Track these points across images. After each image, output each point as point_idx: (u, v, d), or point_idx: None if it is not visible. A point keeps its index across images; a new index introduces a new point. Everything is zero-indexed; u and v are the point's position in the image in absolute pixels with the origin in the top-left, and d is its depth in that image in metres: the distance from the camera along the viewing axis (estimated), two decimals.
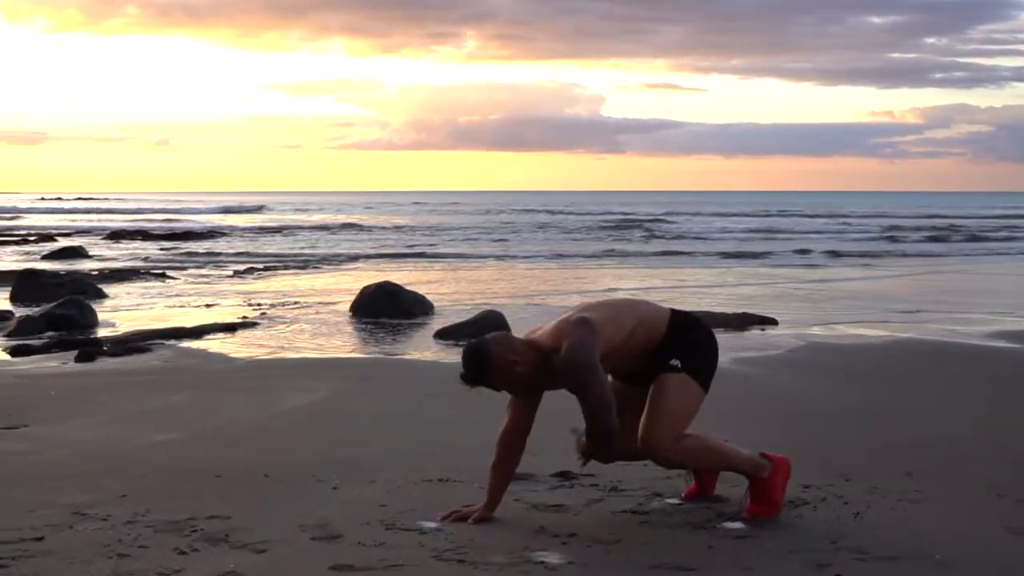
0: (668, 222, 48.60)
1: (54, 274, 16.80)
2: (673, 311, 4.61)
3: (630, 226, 44.19)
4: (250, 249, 30.03)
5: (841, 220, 52.63)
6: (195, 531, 4.31)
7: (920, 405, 7.25)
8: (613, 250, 29.90)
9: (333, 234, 38.93)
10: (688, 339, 4.49)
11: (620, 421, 4.50)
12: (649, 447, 4.39)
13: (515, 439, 4.51)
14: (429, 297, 14.22)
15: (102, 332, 11.63)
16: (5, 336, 11.15)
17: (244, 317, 12.89)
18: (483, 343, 4.36)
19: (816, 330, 11.74)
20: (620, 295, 16.37)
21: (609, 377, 4.65)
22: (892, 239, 36.95)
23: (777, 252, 28.83)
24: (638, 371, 4.52)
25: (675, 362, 4.42)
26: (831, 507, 4.61)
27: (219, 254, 27.40)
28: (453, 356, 9.30)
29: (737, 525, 4.37)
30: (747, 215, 59.02)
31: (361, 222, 48.25)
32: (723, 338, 10.73)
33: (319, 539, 4.22)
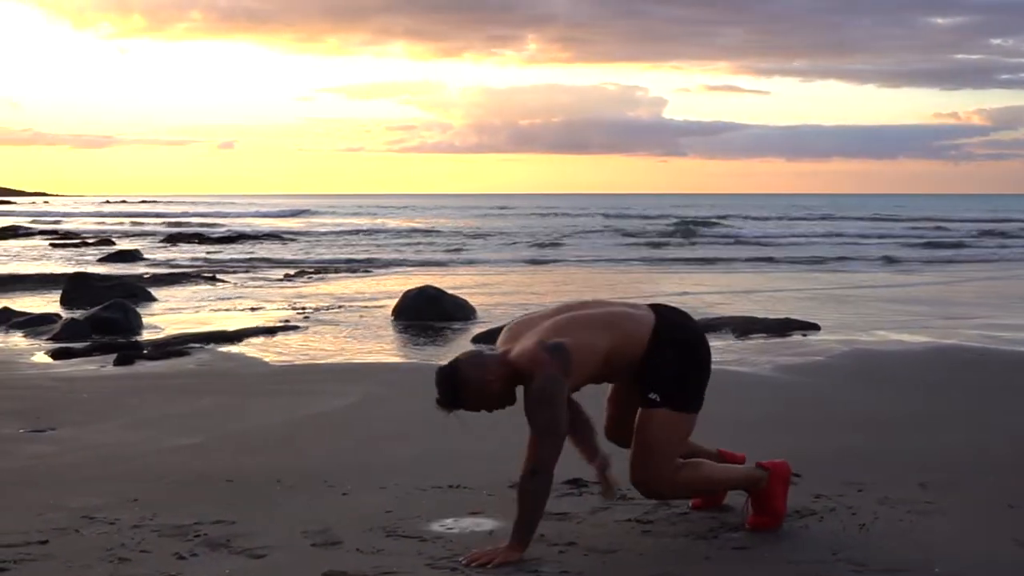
0: (726, 225, 48.10)
1: (104, 277, 17.03)
2: (657, 320, 4.27)
3: (686, 229, 43.82)
4: (304, 252, 30.27)
5: (904, 224, 51.80)
6: (198, 536, 4.35)
7: (951, 413, 7.11)
8: (666, 254, 29.73)
9: (394, 237, 38.99)
10: (666, 366, 4.19)
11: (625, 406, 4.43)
12: (640, 485, 4.30)
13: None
14: (473, 301, 14.21)
15: (145, 335, 11.76)
16: (49, 339, 11.31)
17: (287, 320, 12.99)
18: (455, 366, 4.14)
19: (859, 336, 11.56)
20: (654, 299, 16.26)
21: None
22: (953, 243, 36.34)
23: (834, 256, 28.42)
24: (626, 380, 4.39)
25: (654, 396, 4.21)
26: (838, 517, 4.54)
27: (273, 258, 27.61)
28: None
29: (740, 536, 4.32)
30: (806, 219, 58.30)
31: (418, 225, 48.37)
32: (764, 344, 10.79)
33: (319, 545, 4.24)
